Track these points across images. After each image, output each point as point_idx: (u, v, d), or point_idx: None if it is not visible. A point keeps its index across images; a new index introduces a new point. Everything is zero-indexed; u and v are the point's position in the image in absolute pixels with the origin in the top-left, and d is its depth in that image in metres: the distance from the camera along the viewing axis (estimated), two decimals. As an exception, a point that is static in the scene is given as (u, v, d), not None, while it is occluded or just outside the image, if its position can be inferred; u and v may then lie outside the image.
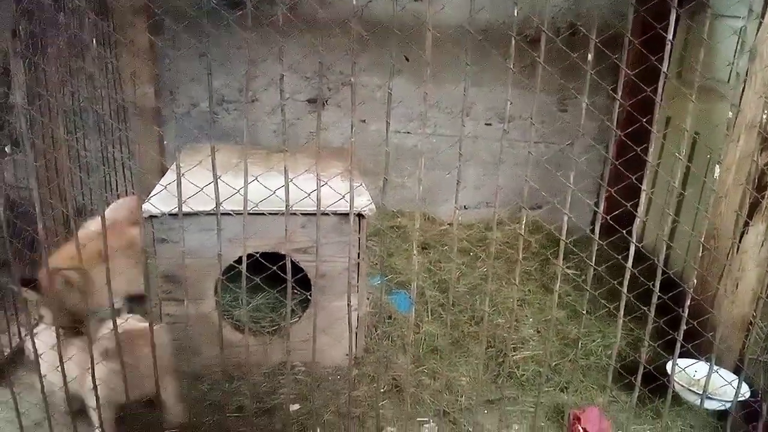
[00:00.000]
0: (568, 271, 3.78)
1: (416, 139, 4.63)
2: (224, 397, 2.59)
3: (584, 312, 2.09)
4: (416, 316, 3.38)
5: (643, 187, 1.91)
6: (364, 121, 4.54)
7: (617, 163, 1.96)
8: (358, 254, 2.86)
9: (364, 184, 3.17)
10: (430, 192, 4.65)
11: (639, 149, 1.94)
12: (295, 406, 2.74)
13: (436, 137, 4.60)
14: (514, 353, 3.13)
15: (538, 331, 3.36)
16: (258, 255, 2.16)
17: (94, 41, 3.44)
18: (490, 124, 4.61)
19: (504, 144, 2.07)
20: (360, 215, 2.81)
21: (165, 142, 4.37)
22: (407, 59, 4.18)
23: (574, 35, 4.19)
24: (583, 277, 3.40)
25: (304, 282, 2.90)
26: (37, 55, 2.94)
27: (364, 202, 2.86)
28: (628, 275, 2.02)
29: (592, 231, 2.05)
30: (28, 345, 2.14)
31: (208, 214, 2.52)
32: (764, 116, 2.52)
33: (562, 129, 4.56)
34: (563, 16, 4.30)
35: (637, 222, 1.95)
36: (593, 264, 2.01)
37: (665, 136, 3.82)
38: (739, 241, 2.71)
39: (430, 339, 3.25)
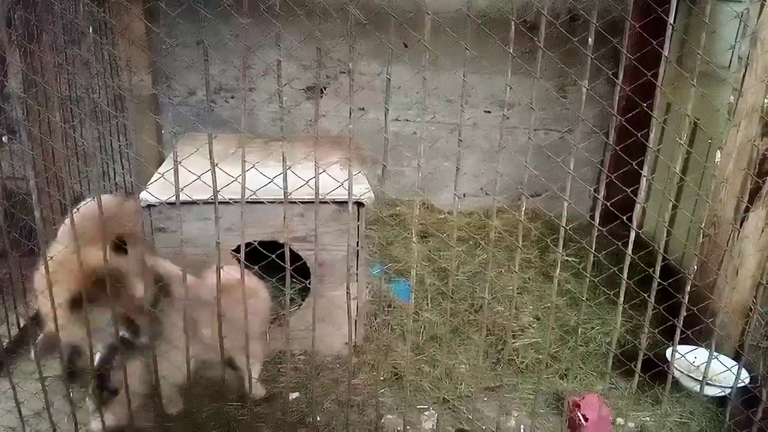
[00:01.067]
0: (568, 258, 3.77)
1: (415, 127, 4.61)
2: (224, 386, 2.59)
3: (584, 299, 2.09)
4: (416, 304, 3.38)
5: (644, 172, 1.90)
6: (363, 108, 4.52)
7: (617, 149, 1.95)
8: (357, 242, 2.85)
9: (363, 172, 3.16)
10: (429, 180, 4.63)
11: (640, 134, 1.93)
12: (295, 395, 2.74)
13: (435, 125, 4.58)
14: (513, 341, 3.13)
15: (538, 319, 3.35)
16: (256, 243, 2.14)
17: (91, 28, 3.41)
18: (489, 112, 4.59)
19: (503, 131, 2.06)
20: (359, 203, 2.80)
21: (163, 131, 4.35)
22: (406, 46, 4.14)
23: (573, 20, 4.16)
24: (583, 264, 3.40)
25: (303, 270, 2.89)
26: (33, 43, 2.91)
27: (362, 190, 2.84)
28: (627, 262, 2.02)
29: (592, 218, 2.04)
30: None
31: (205, 202, 2.50)
32: (766, 101, 2.50)
33: (562, 115, 4.54)
34: (563, 2, 4.26)
35: (638, 208, 1.94)
36: (593, 251, 2.00)
37: (665, 121, 3.80)
38: (740, 227, 2.70)
39: (430, 327, 3.25)
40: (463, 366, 2.99)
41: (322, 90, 4.52)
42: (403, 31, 2.02)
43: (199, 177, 1.97)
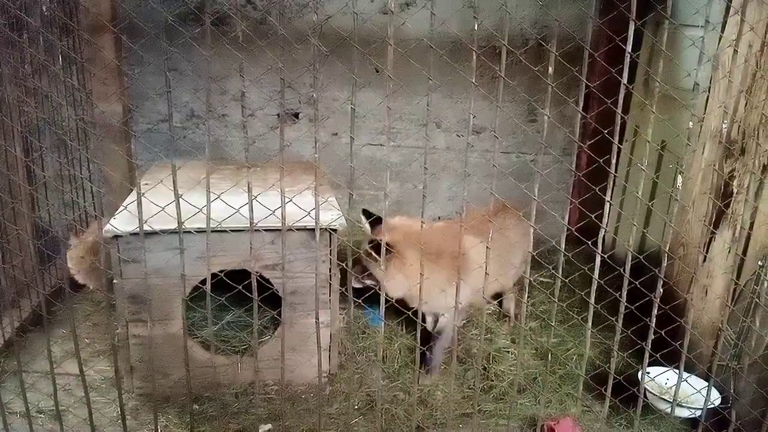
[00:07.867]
0: (542, 279, 3.79)
1: (388, 151, 4.63)
2: (194, 418, 2.54)
3: (553, 324, 2.09)
4: (391, 330, 3.36)
5: (607, 197, 1.92)
6: (335, 134, 4.53)
7: (583, 173, 1.97)
8: (330, 269, 2.83)
9: (334, 198, 3.15)
10: (403, 204, 4.64)
11: (602, 160, 1.95)
12: (267, 426, 2.69)
13: (409, 149, 4.60)
14: (488, 365, 3.11)
15: (514, 341, 3.35)
16: (222, 274, 2.12)
17: (60, 58, 3.38)
18: (461, 135, 4.62)
19: (475, 155, 2.07)
20: (330, 229, 2.78)
21: (134, 160, 4.32)
22: (378, 71, 4.17)
23: (542, 46, 4.22)
24: (552, 289, 3.42)
25: (277, 298, 2.86)
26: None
27: (333, 216, 2.83)
28: (594, 286, 2.03)
29: (558, 242, 2.05)
30: None
31: (170, 232, 2.47)
32: (724, 126, 2.54)
33: (534, 138, 4.59)
34: (533, 26, 4.33)
35: (602, 232, 1.96)
36: (560, 275, 2.01)
37: (634, 144, 3.85)
38: (706, 250, 2.73)
39: (406, 353, 3.23)
40: (438, 392, 2.97)
41: (295, 116, 4.53)
42: (375, 56, 2.03)
43: (163, 209, 1.96)
